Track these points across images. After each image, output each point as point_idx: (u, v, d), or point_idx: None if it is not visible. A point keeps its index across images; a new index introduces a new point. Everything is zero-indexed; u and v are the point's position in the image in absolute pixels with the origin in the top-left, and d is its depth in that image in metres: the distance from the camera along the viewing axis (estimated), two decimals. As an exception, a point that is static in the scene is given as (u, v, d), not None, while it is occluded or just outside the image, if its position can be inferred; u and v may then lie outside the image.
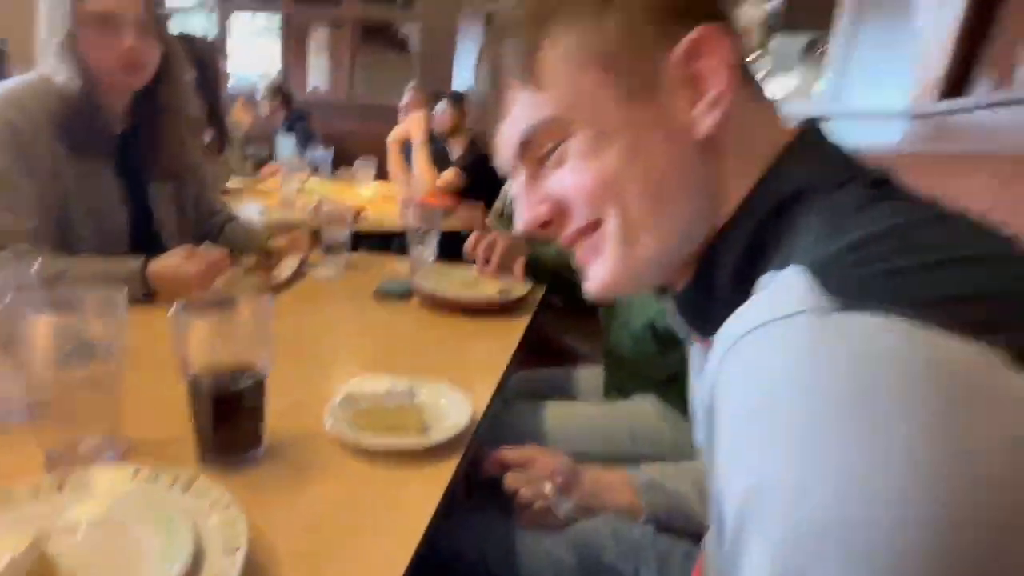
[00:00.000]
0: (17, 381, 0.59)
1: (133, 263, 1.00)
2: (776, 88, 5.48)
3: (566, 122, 0.41)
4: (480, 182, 2.60)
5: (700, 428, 0.38)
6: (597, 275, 0.44)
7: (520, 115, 0.43)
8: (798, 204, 0.38)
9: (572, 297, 1.44)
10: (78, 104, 1.04)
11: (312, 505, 0.53)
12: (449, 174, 2.61)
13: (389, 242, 2.33)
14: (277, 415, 0.60)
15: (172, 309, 0.53)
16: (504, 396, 0.94)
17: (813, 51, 4.58)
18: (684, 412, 1.01)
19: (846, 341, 0.26)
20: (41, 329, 0.52)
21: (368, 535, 0.51)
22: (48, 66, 1.05)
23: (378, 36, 7.70)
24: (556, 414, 1.06)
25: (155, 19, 1.08)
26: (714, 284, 0.42)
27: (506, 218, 2.31)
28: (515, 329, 1.05)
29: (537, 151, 0.43)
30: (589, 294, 0.46)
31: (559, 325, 1.74)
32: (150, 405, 0.63)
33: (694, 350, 0.54)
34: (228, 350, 0.55)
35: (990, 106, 1.19)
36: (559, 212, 0.44)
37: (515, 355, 0.96)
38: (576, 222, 0.44)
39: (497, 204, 2.41)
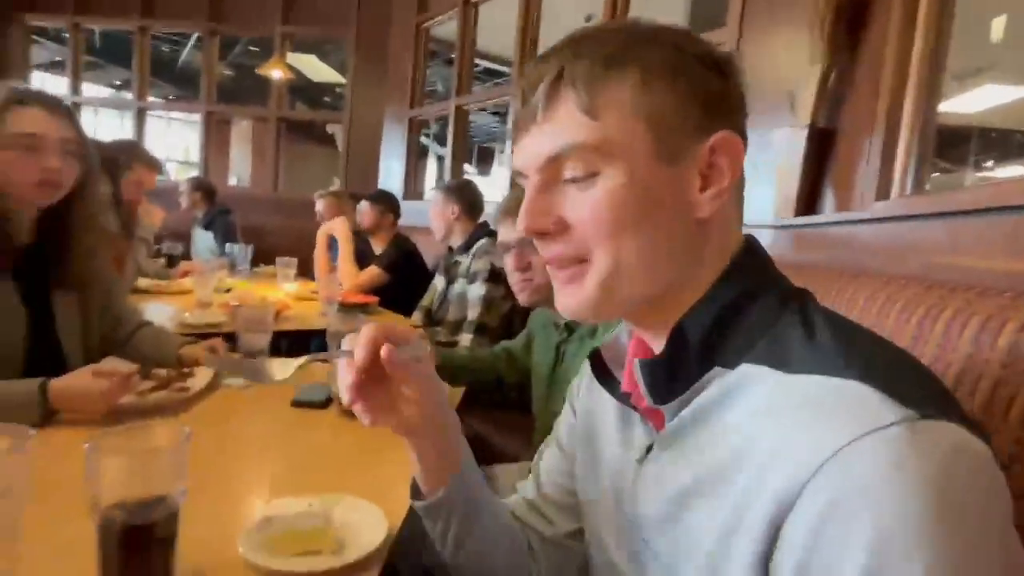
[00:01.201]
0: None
1: (30, 383, 0.96)
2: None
3: (603, 156, 0.45)
4: (401, 280, 2.67)
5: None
6: (571, 300, 0.49)
7: (564, 130, 0.46)
8: (752, 303, 0.46)
9: (494, 395, 1.50)
10: None
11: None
12: (370, 271, 2.67)
13: (309, 341, 2.31)
14: (189, 544, 0.60)
15: (86, 446, 0.54)
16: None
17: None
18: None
19: (942, 447, 0.35)
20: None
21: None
22: None
23: (304, 129, 7.88)
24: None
25: (79, 141, 1.12)
26: (682, 357, 0.47)
27: (434, 317, 2.36)
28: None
29: (562, 168, 0.47)
30: (561, 311, 0.50)
31: (484, 423, 1.77)
32: (46, 544, 0.61)
33: (610, 414, 0.59)
34: (142, 483, 0.56)
35: (833, 223, 1.43)
36: (560, 231, 0.48)
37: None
38: (571, 249, 0.47)
39: (424, 302, 2.47)
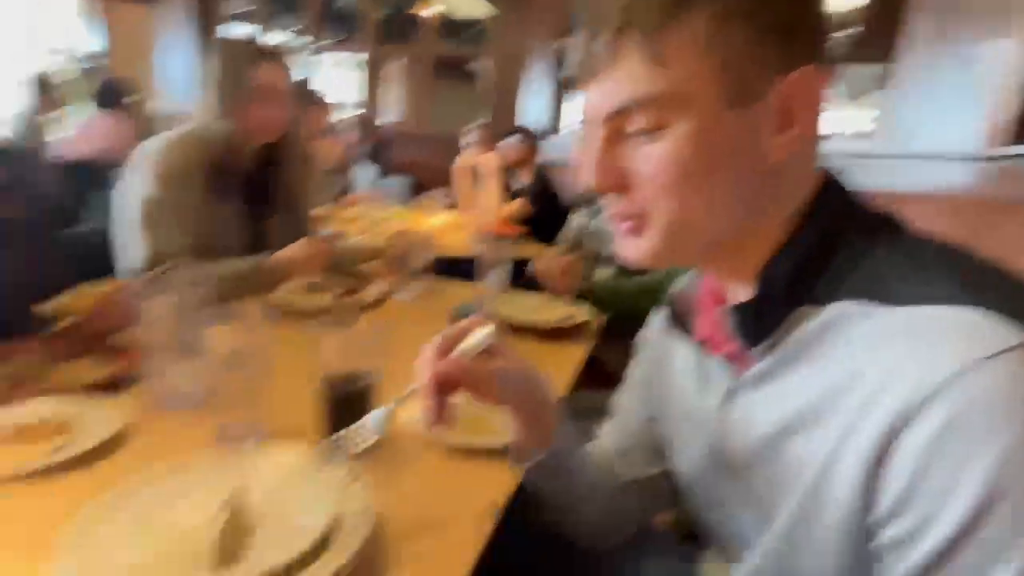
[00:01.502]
0: (190, 377, 0.76)
1: (256, 256, 1.26)
2: (842, 119, 5.36)
3: (670, 108, 0.42)
4: (545, 212, 2.74)
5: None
6: (632, 251, 0.49)
7: (628, 82, 0.43)
8: (839, 238, 0.45)
9: (633, 325, 1.54)
10: (223, 152, 1.28)
11: (409, 485, 0.67)
12: (516, 204, 2.77)
13: (457, 268, 2.50)
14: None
15: (311, 324, 0.68)
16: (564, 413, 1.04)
17: (885, 84, 4.46)
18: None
19: None
20: (215, 337, 0.68)
21: (451, 510, 0.63)
22: (204, 119, 1.29)
23: (451, 69, 8.10)
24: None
25: (295, 91, 1.34)
26: (770, 298, 0.46)
27: (573, 251, 2.42)
28: (577, 353, 1.16)
29: (627, 121, 0.44)
30: (622, 259, 0.50)
31: (618, 352, 1.82)
32: (285, 399, 0.78)
33: (684, 361, 0.58)
34: (350, 359, 0.70)
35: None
36: (627, 187, 0.46)
37: (576, 376, 1.07)
38: (636, 206, 0.46)
39: (564, 235, 2.52)
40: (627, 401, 0.72)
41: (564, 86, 4.45)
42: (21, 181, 0.98)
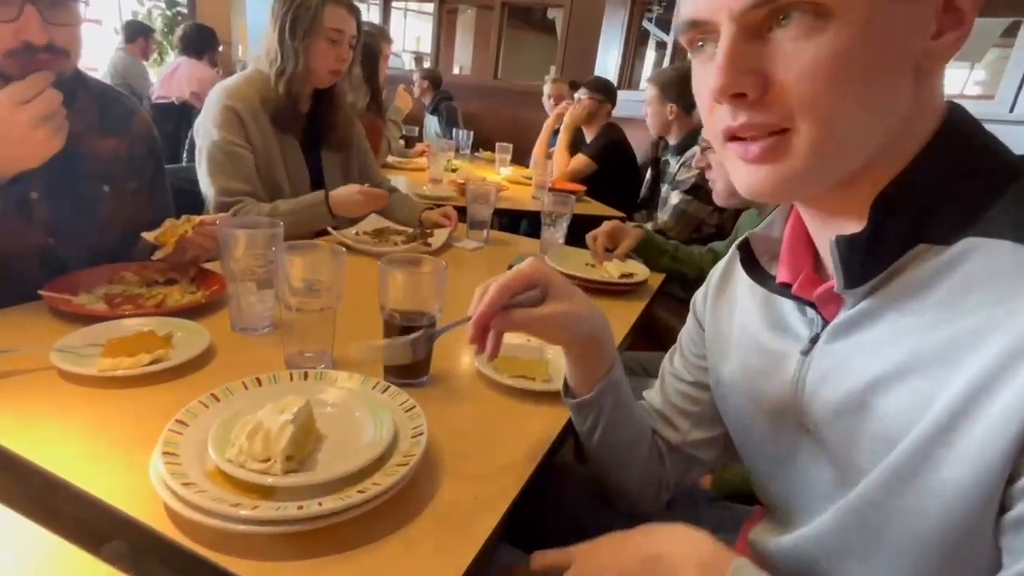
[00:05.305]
0: (267, 305, 0.83)
1: (317, 193, 1.34)
2: (953, 82, 4.84)
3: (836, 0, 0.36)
4: (608, 170, 2.69)
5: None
6: (764, 178, 0.42)
7: None
8: (971, 170, 0.40)
9: (691, 288, 1.51)
10: (284, 93, 1.34)
11: (462, 418, 0.70)
12: (577, 160, 2.72)
13: (519, 222, 2.51)
14: (439, 351, 0.78)
15: (380, 263, 0.72)
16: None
17: (1012, 36, 3.94)
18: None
19: None
20: (289, 270, 0.73)
21: (500, 446, 0.66)
22: (264, 62, 1.35)
23: (525, 17, 7.87)
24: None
25: (358, 36, 1.37)
26: (886, 232, 0.41)
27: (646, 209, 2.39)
28: (633, 310, 1.16)
29: (776, 13, 0.38)
30: (744, 191, 0.43)
31: (679, 314, 1.80)
32: (352, 331, 0.84)
33: (753, 311, 0.55)
34: (413, 297, 0.73)
35: None
36: (762, 91, 0.39)
37: (630, 332, 1.08)
38: (772, 116, 0.40)
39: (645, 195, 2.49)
40: (675, 365, 0.71)
41: (640, 39, 4.26)
42: (126, 121, 1.06)
